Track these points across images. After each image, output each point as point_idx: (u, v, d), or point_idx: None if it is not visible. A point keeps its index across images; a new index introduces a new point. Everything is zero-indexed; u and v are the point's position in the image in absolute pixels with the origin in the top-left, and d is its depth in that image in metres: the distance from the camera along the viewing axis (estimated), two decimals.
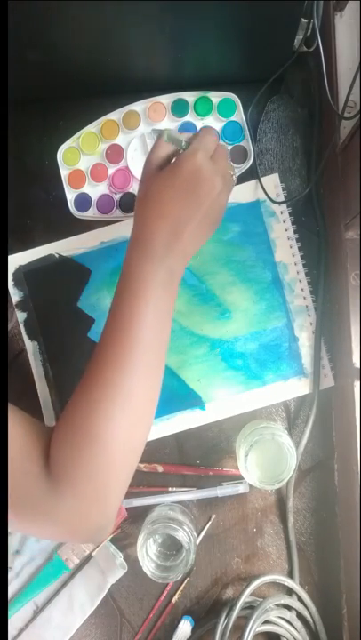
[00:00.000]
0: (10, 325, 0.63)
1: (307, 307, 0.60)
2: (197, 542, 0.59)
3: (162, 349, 0.46)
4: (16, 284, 0.62)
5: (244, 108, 0.60)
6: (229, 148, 0.61)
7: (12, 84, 0.52)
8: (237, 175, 0.61)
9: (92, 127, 0.62)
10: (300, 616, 0.57)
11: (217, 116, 0.61)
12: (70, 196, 0.62)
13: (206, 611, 0.60)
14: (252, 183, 0.61)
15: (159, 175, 0.46)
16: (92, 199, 0.62)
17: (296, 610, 0.56)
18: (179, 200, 0.45)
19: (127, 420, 0.43)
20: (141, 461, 0.61)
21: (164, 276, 0.45)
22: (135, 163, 0.62)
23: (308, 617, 0.57)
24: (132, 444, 0.44)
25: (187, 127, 0.61)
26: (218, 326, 0.61)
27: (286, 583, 0.57)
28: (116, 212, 0.62)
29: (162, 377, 0.46)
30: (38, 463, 0.41)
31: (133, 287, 0.45)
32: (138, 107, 0.61)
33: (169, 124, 0.61)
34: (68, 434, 0.42)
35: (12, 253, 0.62)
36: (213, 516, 0.60)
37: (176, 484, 0.61)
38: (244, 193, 0.61)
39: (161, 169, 0.47)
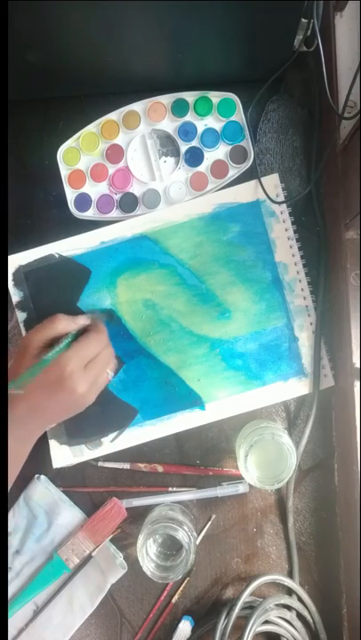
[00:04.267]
0: (10, 325, 0.63)
1: (307, 307, 0.60)
2: (197, 542, 0.59)
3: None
4: (16, 284, 0.62)
5: (244, 108, 0.60)
6: (229, 147, 0.61)
7: (12, 84, 0.52)
8: (236, 176, 0.61)
9: (92, 127, 0.62)
10: (300, 616, 0.57)
11: (217, 115, 0.61)
12: (70, 196, 0.62)
13: (206, 611, 0.60)
14: (252, 183, 0.61)
15: (33, 368, 0.50)
16: (92, 199, 0.62)
17: (296, 610, 0.56)
18: (41, 393, 0.51)
19: None
20: (141, 461, 0.61)
21: (13, 441, 0.50)
22: (135, 163, 0.62)
23: (308, 617, 0.57)
24: None
25: (187, 127, 0.61)
26: (218, 326, 0.61)
27: (286, 583, 0.57)
28: (116, 212, 0.62)
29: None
30: None
31: None
32: (138, 107, 0.61)
33: (169, 123, 0.61)
34: None
35: (11, 253, 0.62)
36: (213, 516, 0.60)
37: (176, 484, 0.61)
38: (244, 193, 0.61)
39: (37, 354, 0.52)
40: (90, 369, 0.52)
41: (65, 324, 0.54)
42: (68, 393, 0.51)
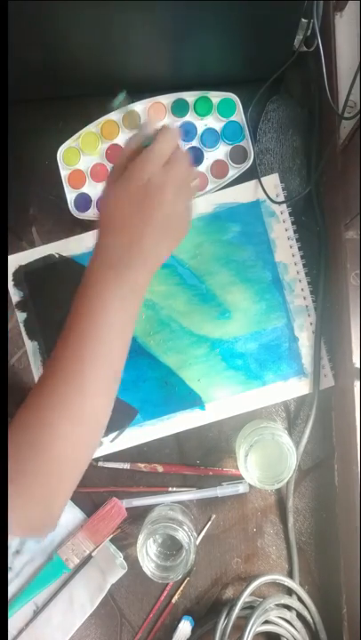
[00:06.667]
0: (10, 325, 0.63)
1: (307, 307, 0.60)
2: (197, 542, 0.59)
3: (118, 365, 0.45)
4: (16, 284, 0.62)
5: (244, 108, 0.60)
6: (229, 147, 0.61)
7: (12, 84, 0.52)
8: (236, 176, 0.61)
9: (92, 127, 0.62)
10: (300, 616, 0.56)
11: (217, 115, 0.61)
12: (70, 196, 0.62)
13: (206, 611, 0.60)
14: (252, 183, 0.61)
15: (114, 185, 0.46)
16: (92, 199, 0.62)
17: (296, 610, 0.56)
18: (131, 212, 0.45)
19: (77, 438, 0.43)
20: (141, 461, 0.61)
21: (124, 290, 0.44)
22: None
23: (308, 617, 0.57)
24: (79, 460, 0.44)
25: (187, 127, 0.61)
26: (218, 326, 0.61)
27: (286, 583, 0.57)
28: None
29: (116, 393, 0.46)
30: None
31: (92, 301, 0.44)
32: (138, 107, 0.61)
33: (169, 124, 0.61)
34: (18, 443, 0.41)
35: (12, 253, 0.62)
36: (213, 516, 0.60)
37: (176, 484, 0.61)
38: (244, 193, 0.61)
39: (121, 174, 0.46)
40: (170, 168, 0.45)
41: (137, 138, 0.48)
42: (159, 200, 0.44)
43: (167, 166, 0.46)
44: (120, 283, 0.44)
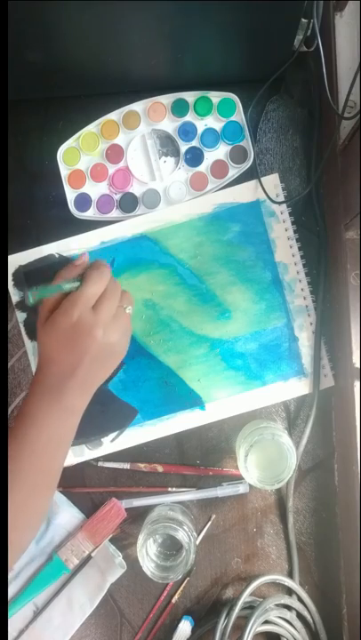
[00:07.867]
0: (10, 325, 0.63)
1: (307, 307, 0.60)
2: (197, 542, 0.59)
3: (56, 469, 0.50)
4: (16, 284, 0.62)
5: (244, 108, 0.60)
6: (229, 147, 0.61)
7: (12, 84, 0.52)
8: (236, 176, 0.61)
9: (92, 127, 0.62)
10: (300, 616, 0.56)
11: (217, 115, 0.61)
12: (70, 196, 0.62)
13: (206, 611, 0.60)
14: (252, 183, 0.61)
15: (45, 324, 0.49)
16: (92, 199, 0.62)
17: (296, 610, 0.56)
18: (61, 350, 0.48)
19: (13, 531, 0.45)
20: (141, 461, 0.61)
21: (60, 411, 0.48)
22: (135, 163, 0.62)
23: (308, 617, 0.57)
24: (18, 547, 0.48)
25: (187, 127, 0.61)
26: (218, 326, 0.61)
27: (286, 583, 0.57)
28: (116, 212, 0.62)
29: (54, 487, 0.50)
30: None
31: (32, 418, 0.48)
32: (138, 107, 0.61)
33: (169, 123, 0.61)
34: None
35: (11, 253, 0.62)
36: (213, 516, 0.60)
37: (176, 484, 0.61)
38: (244, 193, 0.61)
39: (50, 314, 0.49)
40: (99, 309, 0.48)
41: (67, 273, 0.51)
42: (89, 340, 0.47)
43: (97, 306, 0.48)
44: (56, 405, 0.48)
